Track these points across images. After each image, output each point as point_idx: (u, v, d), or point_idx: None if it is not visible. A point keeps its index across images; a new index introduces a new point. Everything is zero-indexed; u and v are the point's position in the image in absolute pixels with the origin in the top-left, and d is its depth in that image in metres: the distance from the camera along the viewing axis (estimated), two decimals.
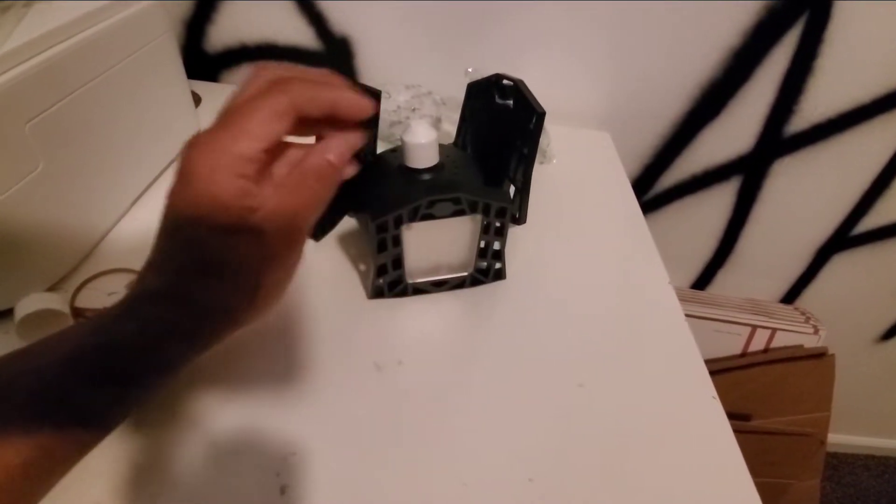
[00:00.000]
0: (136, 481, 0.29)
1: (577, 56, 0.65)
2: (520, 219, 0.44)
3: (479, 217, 0.38)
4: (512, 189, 0.44)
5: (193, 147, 0.23)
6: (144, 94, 0.46)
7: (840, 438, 1.11)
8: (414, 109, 0.59)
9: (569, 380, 0.37)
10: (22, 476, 0.21)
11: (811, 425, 0.78)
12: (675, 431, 0.35)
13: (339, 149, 0.25)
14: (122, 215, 0.45)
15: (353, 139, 0.25)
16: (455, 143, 0.51)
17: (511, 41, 0.64)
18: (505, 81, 0.43)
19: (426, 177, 0.39)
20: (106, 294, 0.39)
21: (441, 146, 0.41)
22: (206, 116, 0.59)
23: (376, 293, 0.41)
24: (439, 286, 0.42)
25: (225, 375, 0.34)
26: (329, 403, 0.34)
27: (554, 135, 0.62)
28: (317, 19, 0.64)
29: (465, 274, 0.42)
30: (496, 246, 0.41)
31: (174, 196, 0.24)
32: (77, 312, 0.37)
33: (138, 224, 0.45)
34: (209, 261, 0.24)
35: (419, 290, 0.41)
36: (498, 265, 0.43)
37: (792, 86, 0.65)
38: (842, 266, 0.84)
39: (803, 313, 0.88)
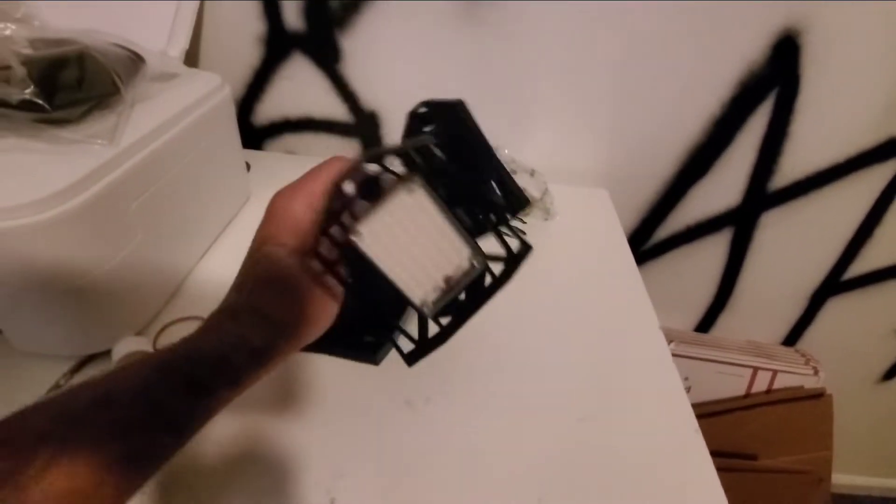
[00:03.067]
0: (189, 494, 0.35)
1: (577, 123, 0.74)
2: (519, 204, 0.35)
3: (419, 187, 0.28)
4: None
5: (279, 193, 0.30)
6: (213, 169, 0.55)
7: (844, 479, 1.11)
8: None
9: (569, 415, 0.43)
10: (117, 477, 0.23)
11: (813, 464, 0.81)
12: (663, 460, 0.41)
13: None
14: (192, 270, 0.53)
15: None
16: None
17: (517, 111, 0.74)
18: (421, 110, 0.37)
19: None
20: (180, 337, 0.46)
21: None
22: (255, 180, 0.69)
23: (412, 358, 0.32)
24: (471, 300, 0.31)
25: (279, 408, 0.41)
26: (368, 434, 0.40)
27: (556, 193, 0.70)
28: (349, 97, 0.75)
29: (479, 267, 0.30)
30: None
31: (262, 228, 0.30)
32: None
33: (203, 277, 0.53)
34: (281, 278, 0.29)
35: (449, 312, 0.31)
36: (513, 241, 0.31)
37: (771, 148, 0.73)
38: (837, 309, 0.89)
39: (803, 355, 0.92)
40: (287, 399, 0.42)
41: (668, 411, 0.45)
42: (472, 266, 0.30)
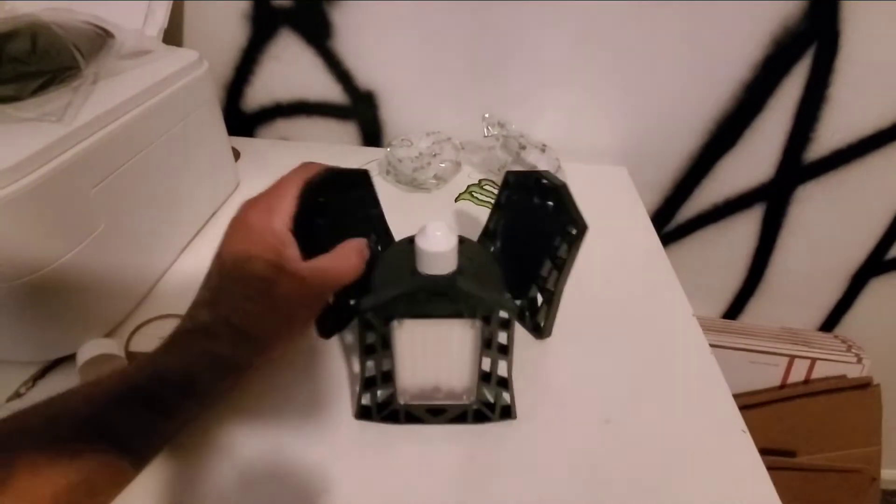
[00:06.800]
0: None
1: (591, 95, 0.68)
2: (544, 331, 0.41)
3: (479, 325, 0.31)
4: (539, 297, 0.41)
5: (253, 207, 0.31)
6: (192, 154, 0.50)
7: (893, 475, 1.03)
8: (435, 155, 0.63)
9: (595, 416, 0.38)
10: (66, 500, 0.23)
11: (861, 461, 0.74)
12: (706, 465, 0.35)
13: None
14: (171, 264, 0.49)
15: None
16: (485, 231, 0.47)
17: (525, 84, 0.68)
18: (544, 181, 0.41)
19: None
20: (157, 338, 0.41)
21: (464, 244, 0.34)
22: (245, 169, 0.64)
23: (362, 413, 0.35)
24: (436, 414, 0.35)
25: (275, 421, 0.36)
26: (371, 447, 0.35)
27: (572, 172, 0.64)
28: (344, 76, 0.69)
29: (467, 403, 0.35)
30: (502, 371, 0.34)
31: (234, 241, 0.30)
32: (131, 356, 0.40)
33: (184, 272, 0.48)
34: (260, 294, 0.29)
35: (413, 416, 0.35)
36: (506, 396, 0.35)
37: (807, 114, 0.66)
38: (881, 291, 0.82)
39: (844, 341, 0.85)
40: (282, 410, 0.37)
41: (708, 409, 0.39)
42: (465, 404, 0.35)
